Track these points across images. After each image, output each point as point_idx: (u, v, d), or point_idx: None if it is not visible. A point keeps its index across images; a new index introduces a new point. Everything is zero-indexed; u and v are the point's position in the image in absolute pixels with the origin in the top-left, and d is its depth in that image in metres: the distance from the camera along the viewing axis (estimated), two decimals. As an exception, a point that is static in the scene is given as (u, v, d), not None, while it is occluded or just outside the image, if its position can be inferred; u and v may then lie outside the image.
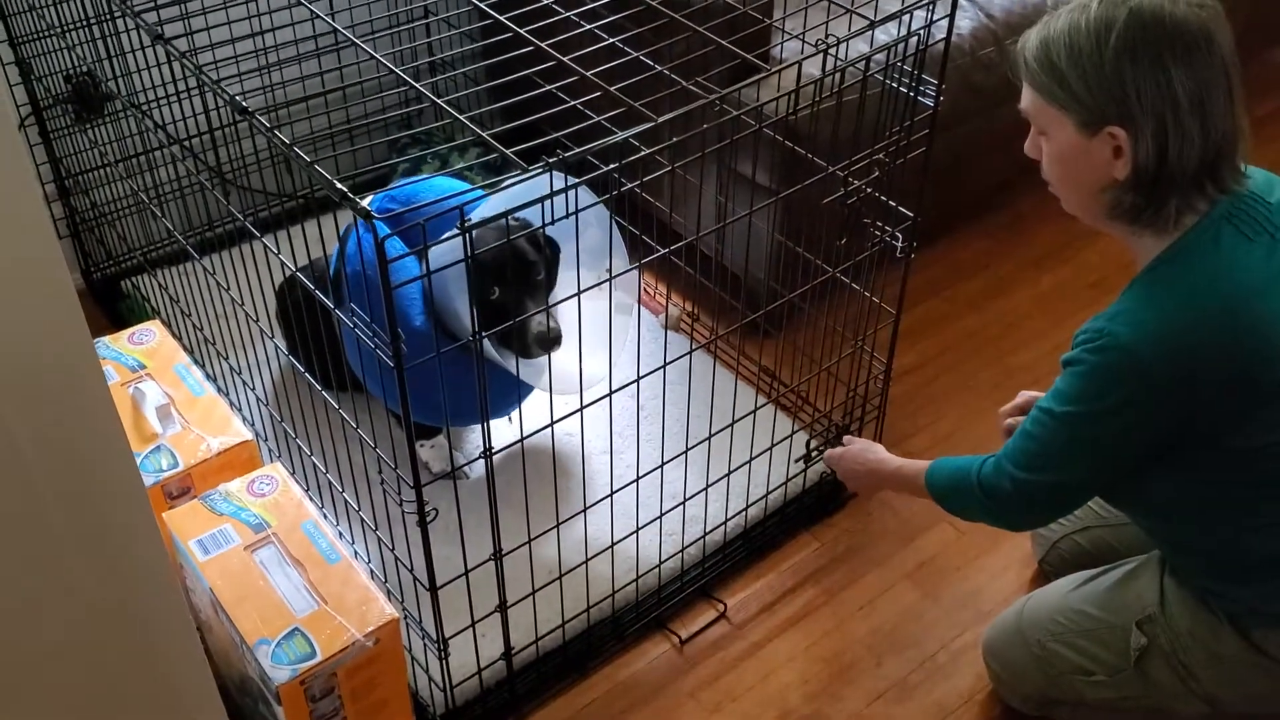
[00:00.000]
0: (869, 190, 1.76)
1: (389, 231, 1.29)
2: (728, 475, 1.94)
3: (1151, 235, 1.47)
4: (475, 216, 1.39)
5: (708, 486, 1.97)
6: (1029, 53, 1.46)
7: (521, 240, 1.81)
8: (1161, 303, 1.43)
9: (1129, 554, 1.78)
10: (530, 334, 1.82)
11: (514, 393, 1.96)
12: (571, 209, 1.44)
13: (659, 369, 1.72)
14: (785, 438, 2.09)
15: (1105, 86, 1.39)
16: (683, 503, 1.89)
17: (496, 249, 1.61)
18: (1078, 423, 1.49)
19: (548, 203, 1.40)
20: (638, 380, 1.73)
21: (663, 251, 1.71)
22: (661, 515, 1.93)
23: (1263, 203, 1.47)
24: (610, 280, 1.63)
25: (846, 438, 1.98)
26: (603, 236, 1.78)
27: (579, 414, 1.65)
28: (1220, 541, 1.56)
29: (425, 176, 1.88)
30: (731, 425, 1.88)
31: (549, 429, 1.65)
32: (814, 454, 2.09)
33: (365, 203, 1.36)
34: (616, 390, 1.69)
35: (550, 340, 1.81)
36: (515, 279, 1.83)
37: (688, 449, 1.87)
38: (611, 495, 1.81)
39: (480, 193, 1.56)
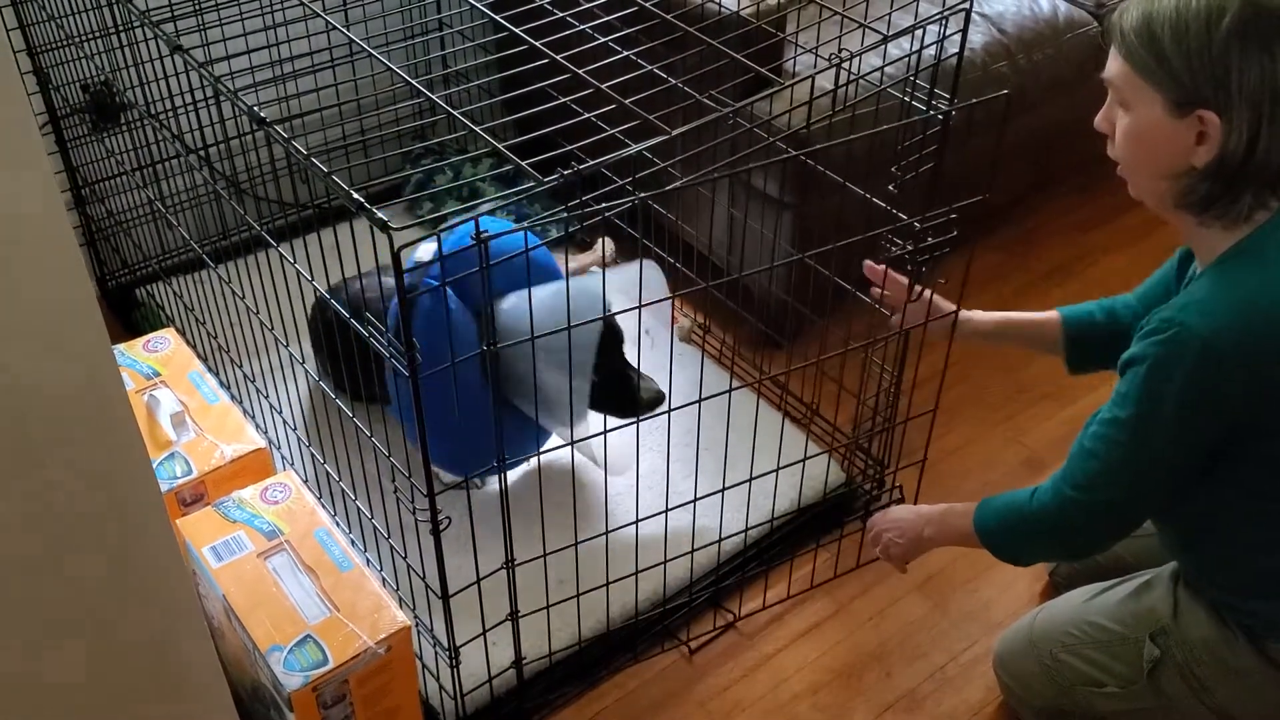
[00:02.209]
0: (945, 249, 1.73)
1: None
2: (726, 489, 1.94)
3: (1220, 228, 1.44)
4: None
5: (722, 493, 1.97)
6: (1128, 23, 1.41)
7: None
8: (1234, 294, 1.40)
9: (1139, 566, 1.77)
10: (645, 398, 1.88)
11: (534, 444, 2.01)
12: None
13: (692, 403, 1.73)
14: (795, 446, 2.10)
15: (1208, 68, 1.35)
16: (694, 514, 1.89)
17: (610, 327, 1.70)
18: (1146, 426, 1.44)
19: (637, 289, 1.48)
20: (669, 412, 1.75)
21: (701, 284, 1.72)
22: (667, 516, 1.93)
23: None
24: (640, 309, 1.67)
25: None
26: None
27: (603, 436, 1.66)
28: (1247, 555, 1.55)
29: (461, 208, 1.91)
30: (731, 433, 1.89)
31: (568, 447, 1.66)
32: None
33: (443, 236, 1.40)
34: (645, 419, 1.74)
35: (659, 401, 1.88)
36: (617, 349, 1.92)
37: (698, 460, 1.88)
38: (637, 522, 1.83)
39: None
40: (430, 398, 1.45)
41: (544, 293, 1.65)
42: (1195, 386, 1.40)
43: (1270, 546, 1.53)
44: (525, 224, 1.48)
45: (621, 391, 1.84)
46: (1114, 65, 1.45)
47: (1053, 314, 1.84)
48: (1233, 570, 1.58)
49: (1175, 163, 1.42)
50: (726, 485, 1.87)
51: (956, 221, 1.73)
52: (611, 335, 1.89)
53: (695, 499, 1.85)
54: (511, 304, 1.72)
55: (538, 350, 1.55)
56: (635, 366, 1.89)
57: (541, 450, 1.69)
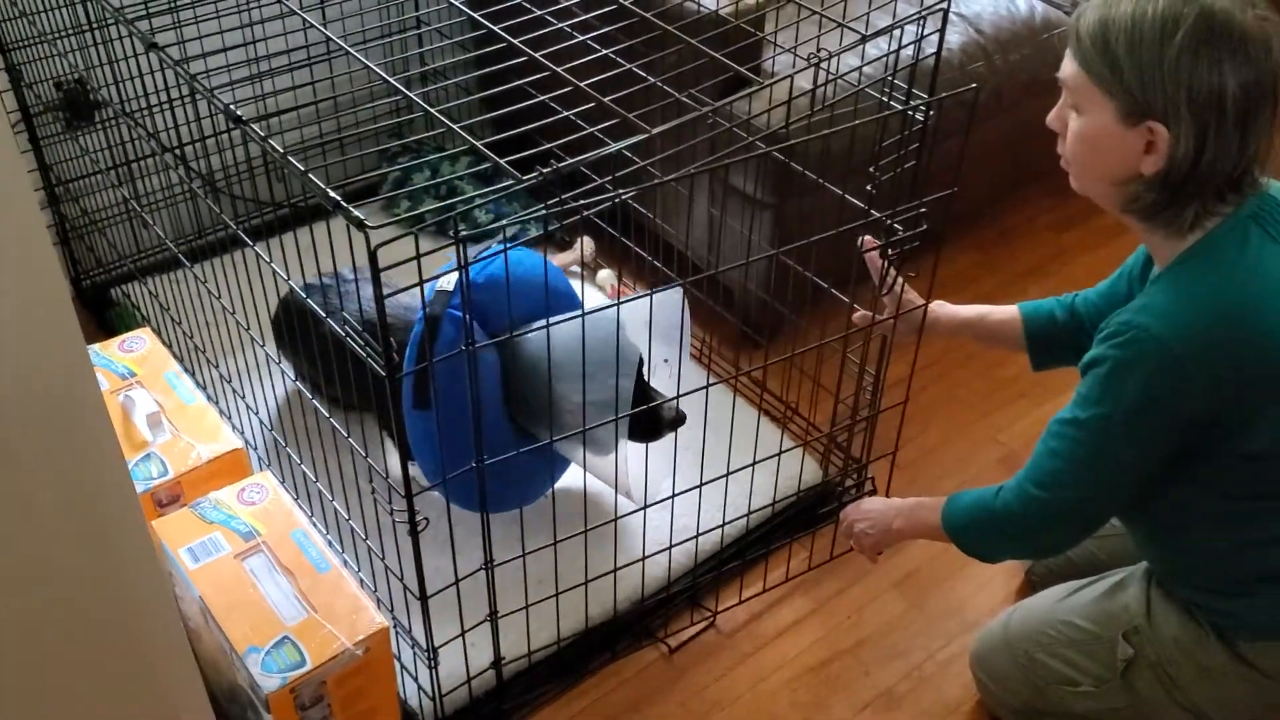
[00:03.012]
0: (915, 243, 1.73)
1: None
2: (704, 484, 1.95)
3: (1168, 234, 1.46)
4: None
5: (699, 489, 1.98)
6: (1084, 28, 1.42)
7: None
8: (1190, 296, 1.42)
9: (1114, 565, 1.79)
10: (664, 417, 1.87)
11: (548, 482, 2.01)
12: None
13: (672, 399, 1.73)
14: (771, 443, 2.10)
15: (1159, 81, 1.37)
16: (672, 512, 1.89)
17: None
18: (1107, 427, 1.46)
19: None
20: (647, 409, 1.75)
21: (682, 281, 1.72)
22: (645, 513, 1.93)
23: None
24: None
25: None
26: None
27: (581, 435, 1.67)
28: (1217, 555, 1.57)
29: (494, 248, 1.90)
30: (717, 432, 1.89)
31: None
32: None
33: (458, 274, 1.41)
34: (623, 416, 1.73)
35: (680, 420, 1.87)
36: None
37: (675, 457, 1.88)
38: (616, 520, 1.83)
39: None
40: (452, 432, 1.45)
41: (570, 327, 1.65)
42: (1155, 388, 1.42)
43: (1238, 545, 1.54)
44: (504, 221, 1.48)
45: (644, 413, 1.84)
46: (1069, 67, 1.46)
47: (1014, 311, 1.85)
48: (1202, 569, 1.59)
49: (1123, 169, 1.44)
50: (704, 482, 1.87)
51: (927, 215, 1.74)
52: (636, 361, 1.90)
53: (673, 495, 1.85)
54: (537, 335, 1.72)
55: (572, 379, 1.58)
56: (653, 388, 1.90)
57: (521, 451, 1.69)
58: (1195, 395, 1.41)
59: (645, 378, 1.86)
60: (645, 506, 1.83)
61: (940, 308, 1.90)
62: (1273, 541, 1.52)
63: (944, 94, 1.67)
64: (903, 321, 1.87)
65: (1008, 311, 1.86)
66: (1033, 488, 1.55)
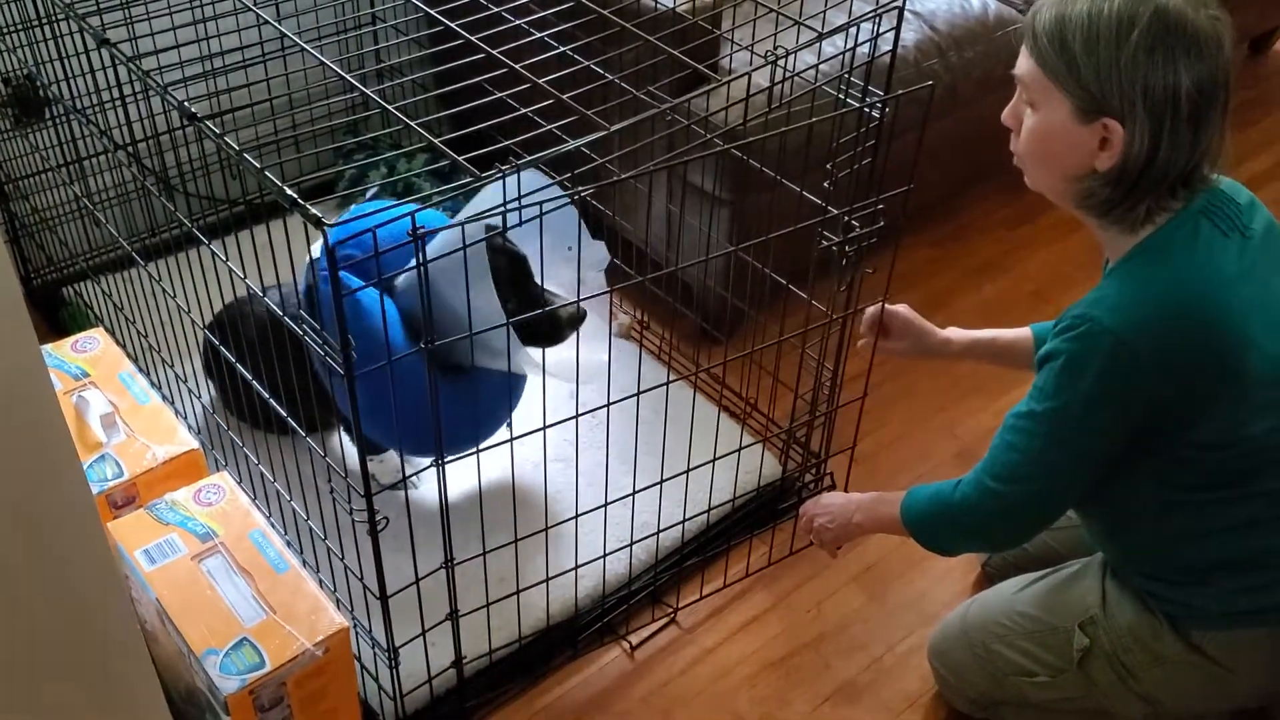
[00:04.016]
0: (873, 240, 1.74)
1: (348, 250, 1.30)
2: (665, 481, 1.95)
3: (1121, 229, 1.49)
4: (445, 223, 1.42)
5: (660, 486, 1.98)
6: (1040, 25, 1.43)
7: (506, 243, 1.86)
8: (1143, 289, 1.44)
9: (1070, 556, 1.81)
10: (563, 317, 1.88)
11: (505, 409, 1.98)
12: (538, 207, 1.46)
13: (630, 397, 1.73)
14: (731, 439, 2.11)
15: (1115, 79, 1.39)
16: (633, 509, 1.90)
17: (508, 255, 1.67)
18: (1062, 419, 1.48)
19: (517, 202, 1.42)
20: (608, 405, 1.73)
21: (638, 278, 1.72)
22: (606, 510, 1.94)
23: (1233, 203, 1.50)
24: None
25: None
26: (566, 235, 1.81)
27: (541, 433, 1.66)
28: (1169, 545, 1.59)
29: (380, 205, 1.87)
30: (674, 427, 1.90)
31: (508, 444, 1.65)
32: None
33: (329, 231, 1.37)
34: (583, 414, 1.72)
35: (581, 318, 1.88)
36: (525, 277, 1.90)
37: (637, 452, 1.88)
38: (576, 518, 1.83)
39: (434, 214, 1.57)
40: (369, 387, 1.44)
41: (436, 241, 1.65)
42: (1108, 380, 1.44)
43: (1190, 535, 1.57)
44: (464, 219, 1.47)
45: (543, 318, 1.84)
46: (1024, 64, 1.48)
47: (1025, 331, 1.88)
48: (1155, 559, 1.62)
49: (1077, 165, 1.47)
50: (665, 478, 1.88)
51: (884, 212, 1.75)
52: (512, 263, 1.87)
53: (634, 493, 1.86)
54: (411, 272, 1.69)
55: (443, 286, 1.54)
56: (548, 290, 1.89)
57: (481, 450, 1.68)
58: (1147, 387, 1.44)
59: (539, 284, 1.86)
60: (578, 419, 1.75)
61: (952, 332, 1.92)
62: (1224, 531, 1.54)
63: (900, 91, 1.68)
64: (911, 344, 1.90)
65: (1017, 331, 1.89)
66: (990, 481, 1.56)
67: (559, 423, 1.68)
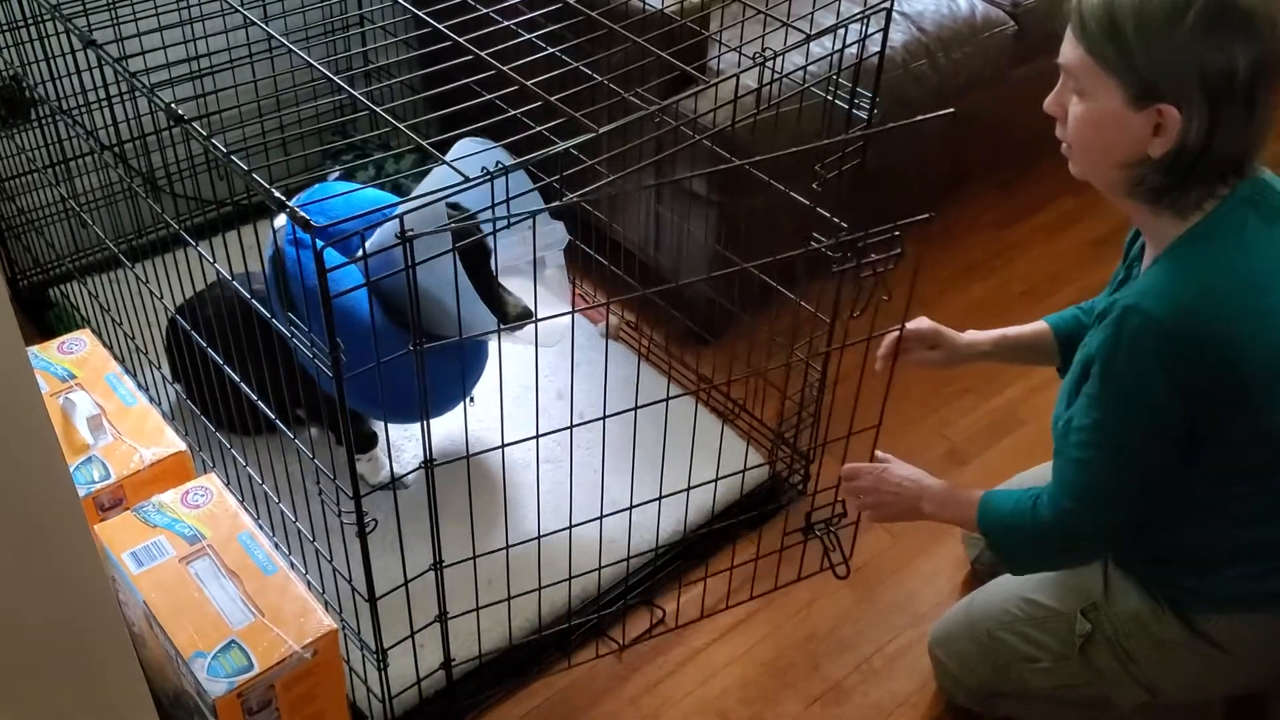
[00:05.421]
0: (891, 266, 1.69)
1: (325, 242, 1.29)
2: (663, 495, 1.95)
3: (1171, 216, 1.46)
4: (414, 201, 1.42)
5: (656, 501, 1.98)
6: (1088, 10, 1.39)
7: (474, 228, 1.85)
8: (1190, 279, 1.42)
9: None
10: (509, 314, 1.88)
11: (459, 386, 1.96)
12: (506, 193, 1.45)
13: (629, 410, 1.71)
14: (721, 442, 2.11)
15: (1170, 63, 1.35)
16: (628, 508, 1.89)
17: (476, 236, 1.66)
18: (1122, 422, 1.46)
19: (487, 185, 1.40)
20: (603, 419, 1.72)
21: (642, 290, 1.72)
22: (602, 521, 1.93)
23: (1276, 192, 1.48)
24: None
25: (878, 454, 1.88)
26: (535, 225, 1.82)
27: (534, 441, 1.65)
28: (1186, 536, 1.58)
29: (347, 188, 1.86)
30: (670, 431, 1.90)
31: (499, 450, 1.65)
32: (818, 528, 2.06)
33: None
34: (578, 425, 1.71)
35: (526, 313, 1.89)
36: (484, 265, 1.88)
37: (632, 455, 1.88)
38: (570, 528, 1.82)
39: (393, 199, 1.55)
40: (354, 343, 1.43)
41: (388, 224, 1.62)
42: (1160, 371, 1.42)
43: (1208, 529, 1.56)
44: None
45: (489, 306, 1.83)
46: (1072, 52, 1.44)
47: (1042, 324, 1.86)
48: (1166, 548, 1.61)
49: (1131, 153, 1.43)
50: (663, 493, 1.87)
51: (900, 239, 1.71)
52: (471, 252, 1.85)
53: (631, 507, 1.85)
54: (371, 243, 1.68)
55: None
56: (501, 285, 1.89)
57: (470, 455, 1.68)
58: (1197, 376, 1.41)
59: (489, 273, 1.86)
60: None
61: (972, 334, 1.90)
62: (1242, 521, 1.53)
63: (920, 116, 1.64)
64: (946, 353, 1.87)
65: (1034, 326, 1.87)
66: (1067, 502, 1.54)
67: (552, 432, 1.68)
